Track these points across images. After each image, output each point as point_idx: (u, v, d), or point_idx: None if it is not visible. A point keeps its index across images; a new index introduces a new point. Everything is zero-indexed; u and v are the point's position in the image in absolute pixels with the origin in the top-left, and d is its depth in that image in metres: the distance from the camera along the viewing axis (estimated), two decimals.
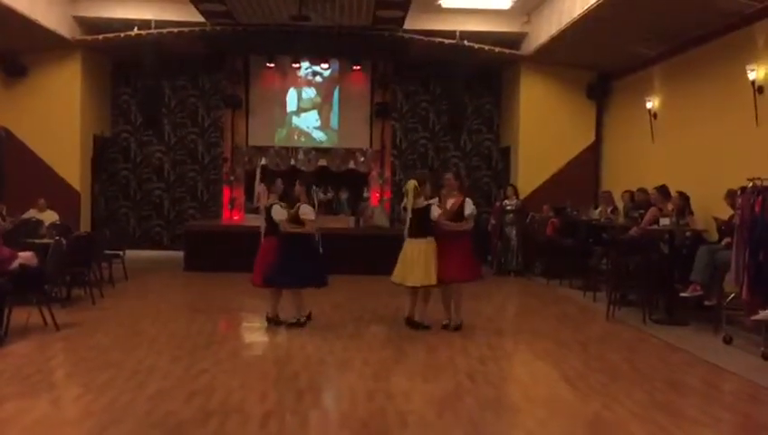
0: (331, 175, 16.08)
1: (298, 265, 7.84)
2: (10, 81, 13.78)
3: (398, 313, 8.45)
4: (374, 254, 12.11)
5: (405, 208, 8.19)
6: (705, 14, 9.43)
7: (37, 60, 13.79)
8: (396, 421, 4.94)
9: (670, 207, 9.45)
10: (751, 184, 7.10)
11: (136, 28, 13.33)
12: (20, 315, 7.32)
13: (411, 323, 8.08)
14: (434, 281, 7.88)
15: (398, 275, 8.03)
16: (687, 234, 9.05)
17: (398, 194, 15.37)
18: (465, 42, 13.56)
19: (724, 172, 9.12)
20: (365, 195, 15.85)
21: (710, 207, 9.31)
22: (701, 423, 5.06)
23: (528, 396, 5.84)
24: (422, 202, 7.96)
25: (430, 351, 7.16)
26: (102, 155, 15.20)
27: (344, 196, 16.47)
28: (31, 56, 13.71)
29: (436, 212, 7.97)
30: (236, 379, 5.94)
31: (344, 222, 14.69)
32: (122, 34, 13.42)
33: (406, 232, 8.02)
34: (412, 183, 8.03)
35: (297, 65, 15.56)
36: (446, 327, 8.07)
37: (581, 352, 7.21)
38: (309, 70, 15.88)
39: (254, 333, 8.13)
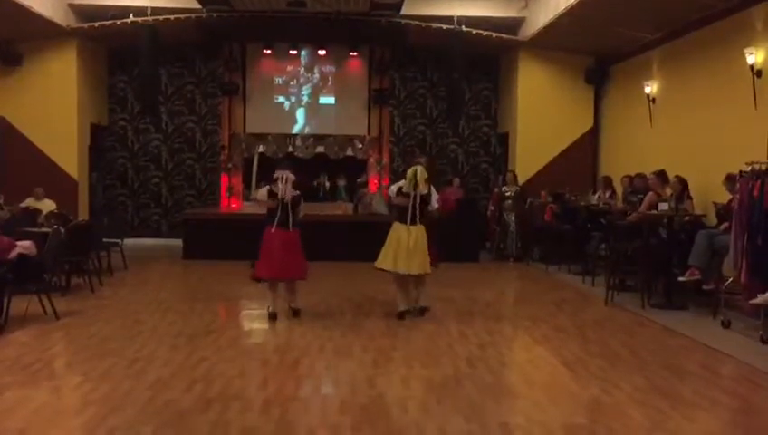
0: (328, 162, 16.05)
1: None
2: (6, 69, 13.70)
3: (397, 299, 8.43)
4: (373, 240, 12.09)
5: (405, 193, 7.87)
6: None
7: (33, 48, 13.71)
8: (396, 407, 4.96)
9: (669, 191, 9.45)
10: (749, 168, 7.10)
11: (132, 15, 13.24)
12: (19, 304, 7.33)
13: (403, 314, 7.96)
14: (429, 269, 7.94)
15: (388, 261, 7.83)
16: (686, 218, 9.05)
17: (397, 180, 15.34)
18: (463, 27, 13.50)
19: (723, 156, 9.11)
20: (359, 180, 15.83)
21: (709, 192, 9.31)
22: (699, 407, 5.09)
23: (527, 381, 5.86)
24: (425, 188, 7.92)
25: (429, 337, 7.18)
26: (100, 143, 15.16)
27: (342, 183, 16.42)
28: (26, 44, 13.63)
29: (435, 203, 8.05)
30: (236, 366, 5.96)
31: (342, 209, 14.67)
32: (118, 22, 13.34)
33: (409, 218, 7.80)
34: (421, 168, 7.93)
35: (294, 52, 15.50)
36: (404, 314, 8.00)
37: (580, 337, 7.23)
38: (306, 56, 15.81)
39: (254, 321, 8.12)
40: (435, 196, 8.09)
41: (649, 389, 5.42)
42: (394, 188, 8.17)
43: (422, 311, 8.12)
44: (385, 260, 7.90)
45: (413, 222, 7.85)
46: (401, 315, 7.94)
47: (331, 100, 15.98)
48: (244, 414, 4.76)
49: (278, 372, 5.92)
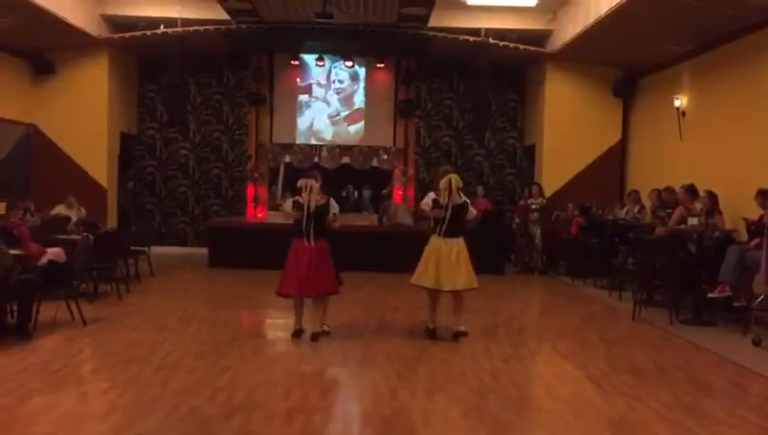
0: (354, 172, 16.10)
1: None
2: (39, 78, 13.97)
3: (421, 311, 8.38)
4: (397, 252, 12.14)
5: (442, 205, 7.36)
6: (735, 10, 9.28)
7: (65, 58, 13.96)
8: (419, 420, 4.92)
9: (698, 206, 9.33)
10: None
11: (162, 26, 13.42)
12: (48, 310, 7.43)
13: (433, 332, 7.57)
14: (476, 283, 7.48)
15: (428, 278, 7.30)
16: (716, 234, 8.92)
17: (422, 192, 15.33)
18: (490, 39, 13.49)
19: (754, 171, 8.98)
20: (385, 191, 15.87)
21: (739, 207, 9.17)
22: (727, 425, 4.98)
23: (552, 396, 5.79)
24: (460, 199, 7.46)
25: (453, 349, 7.14)
26: (129, 152, 15.35)
27: (367, 194, 16.47)
28: (59, 54, 13.88)
29: (473, 211, 7.69)
30: (261, 375, 5.97)
31: (367, 220, 14.69)
32: (149, 33, 13.51)
33: (447, 230, 7.32)
34: (456, 177, 7.43)
35: (321, 63, 15.60)
36: (434, 333, 7.60)
37: (606, 352, 7.14)
38: (333, 67, 15.90)
39: (278, 330, 8.14)
40: (471, 207, 7.70)
41: (677, 405, 5.33)
42: (428, 200, 7.54)
43: (457, 335, 7.50)
44: (425, 276, 7.34)
45: (452, 234, 7.38)
46: (431, 333, 7.56)
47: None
48: (267, 423, 4.76)
49: (302, 381, 5.91)
